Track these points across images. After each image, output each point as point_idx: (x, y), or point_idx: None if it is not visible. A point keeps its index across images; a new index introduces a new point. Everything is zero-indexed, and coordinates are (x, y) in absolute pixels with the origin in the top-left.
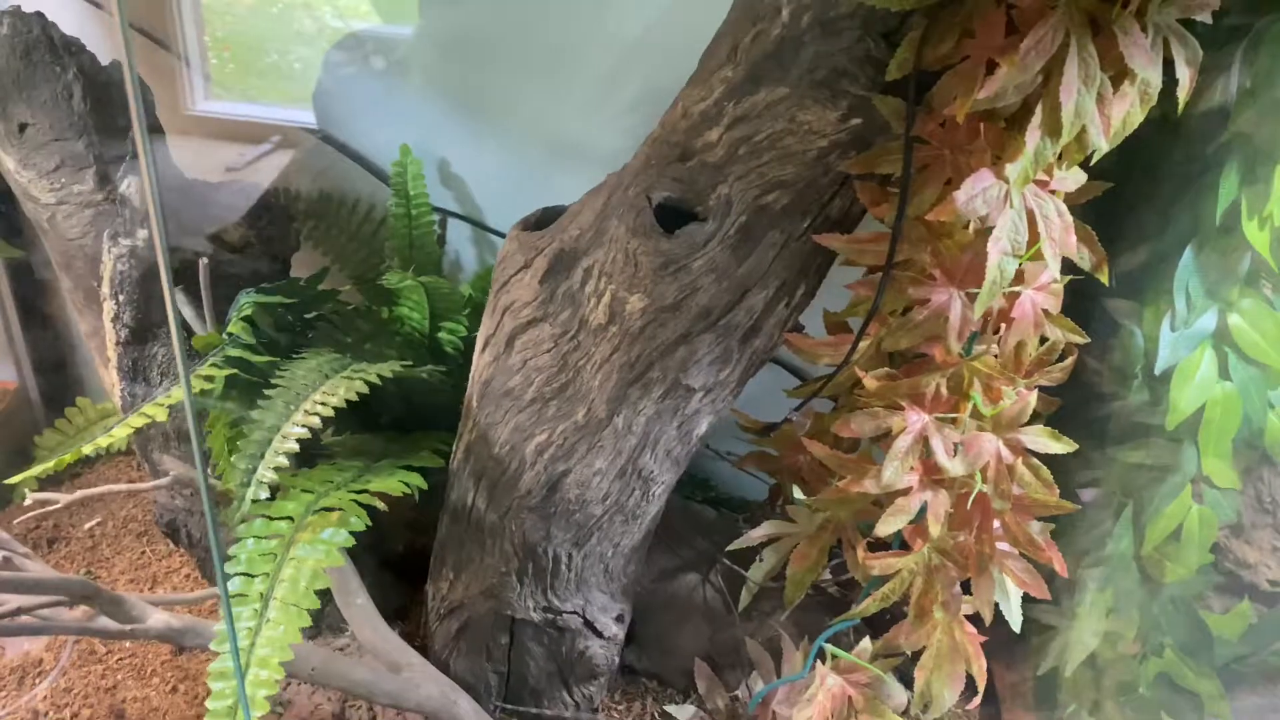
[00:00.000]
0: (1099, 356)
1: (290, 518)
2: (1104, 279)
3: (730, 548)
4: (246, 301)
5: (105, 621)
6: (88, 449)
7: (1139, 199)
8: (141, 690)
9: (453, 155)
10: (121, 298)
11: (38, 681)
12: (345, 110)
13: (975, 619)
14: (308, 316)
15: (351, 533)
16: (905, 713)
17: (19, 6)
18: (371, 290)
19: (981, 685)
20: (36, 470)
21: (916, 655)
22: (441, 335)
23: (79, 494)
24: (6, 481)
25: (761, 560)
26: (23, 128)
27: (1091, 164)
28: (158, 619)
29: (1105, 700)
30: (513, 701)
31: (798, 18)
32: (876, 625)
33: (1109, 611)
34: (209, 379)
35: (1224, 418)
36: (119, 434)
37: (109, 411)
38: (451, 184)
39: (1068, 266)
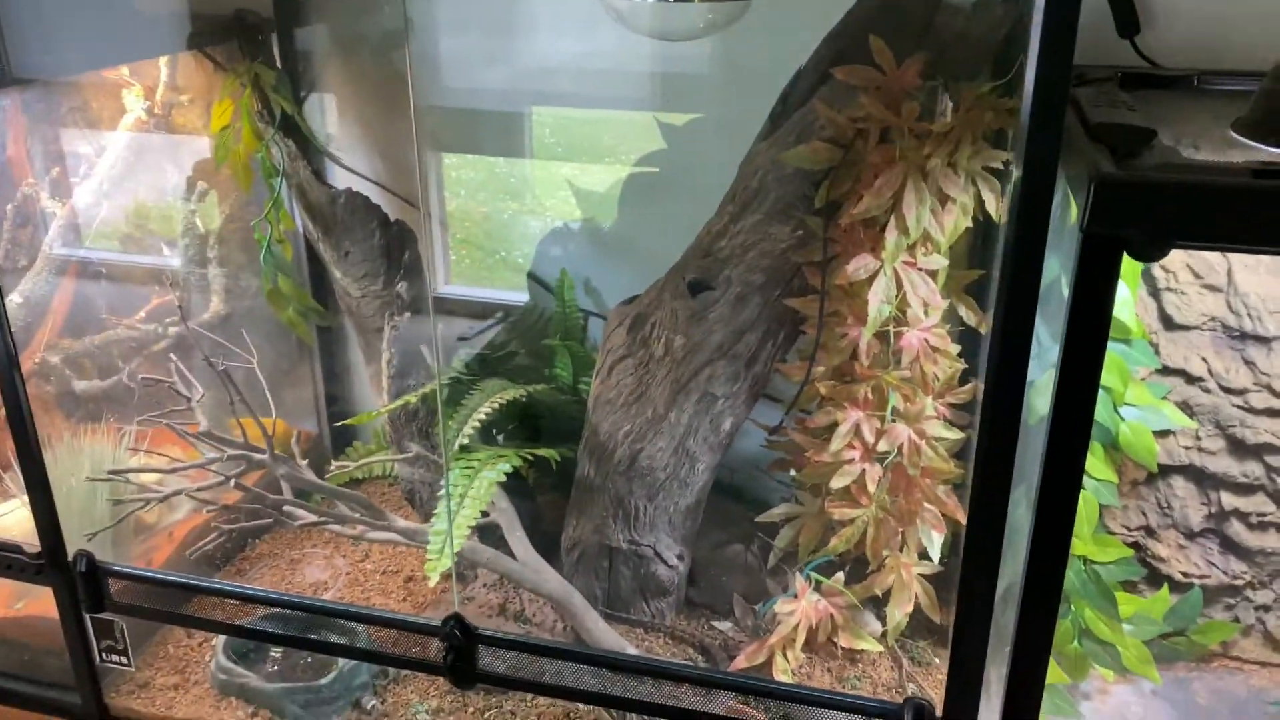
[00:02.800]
0: None
1: (479, 459)
2: (983, 330)
3: (759, 519)
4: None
5: (372, 530)
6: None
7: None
8: (384, 600)
9: (594, 277)
10: (393, 350)
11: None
12: (546, 262)
13: None
14: (498, 359)
15: (514, 499)
16: (881, 638)
17: (350, 187)
18: (538, 353)
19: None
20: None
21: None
22: (580, 387)
23: (360, 462)
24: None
25: (781, 533)
26: (347, 253)
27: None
28: (403, 524)
29: None
30: (612, 608)
31: (765, 176)
32: None
33: None
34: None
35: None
36: (391, 406)
37: (373, 451)
38: (592, 295)
39: (960, 322)
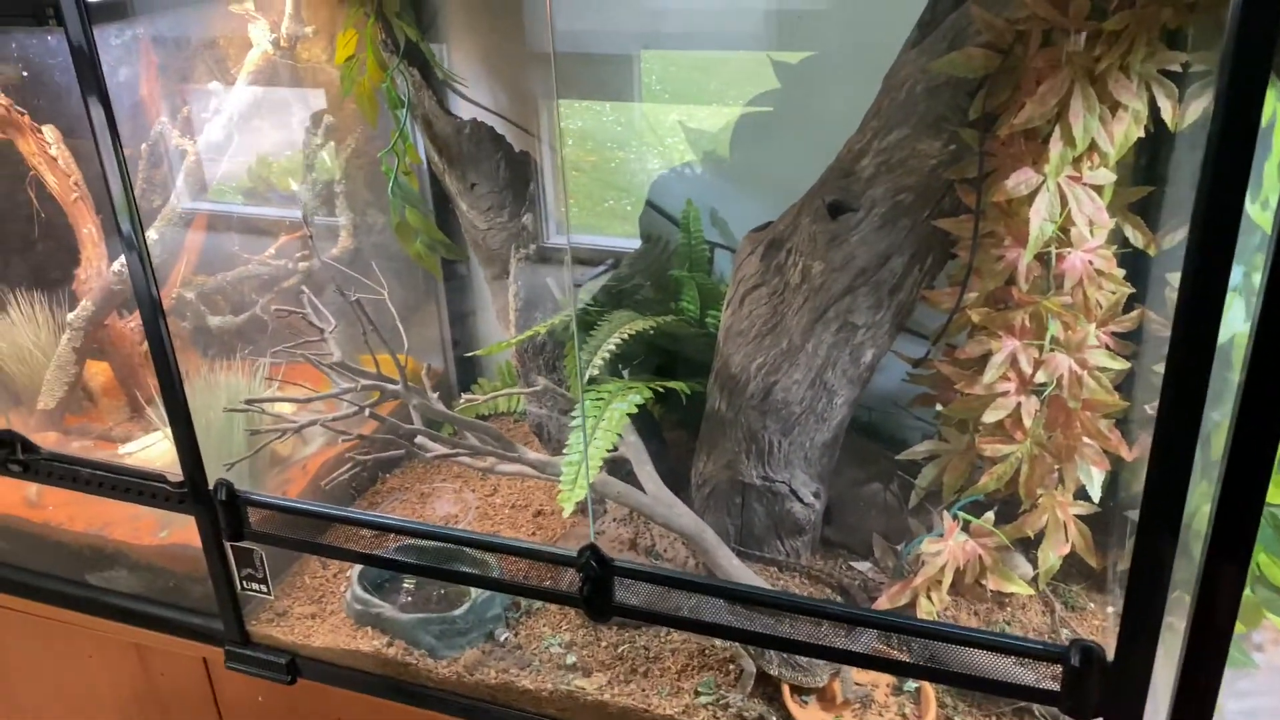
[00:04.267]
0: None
1: (609, 390)
2: (1152, 253)
3: (900, 456)
4: (590, 282)
5: (503, 462)
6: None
7: (1175, 197)
8: (515, 533)
9: (721, 208)
10: (520, 281)
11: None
12: (667, 196)
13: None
14: (624, 292)
15: (641, 436)
16: (1033, 582)
17: (475, 118)
18: (663, 285)
19: (1086, 550)
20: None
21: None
22: (708, 320)
23: (489, 395)
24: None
25: (923, 471)
26: (473, 186)
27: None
28: (534, 456)
29: None
30: (744, 546)
31: (913, 88)
32: None
33: None
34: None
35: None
36: (521, 337)
37: (498, 387)
38: (719, 226)
39: (1125, 243)
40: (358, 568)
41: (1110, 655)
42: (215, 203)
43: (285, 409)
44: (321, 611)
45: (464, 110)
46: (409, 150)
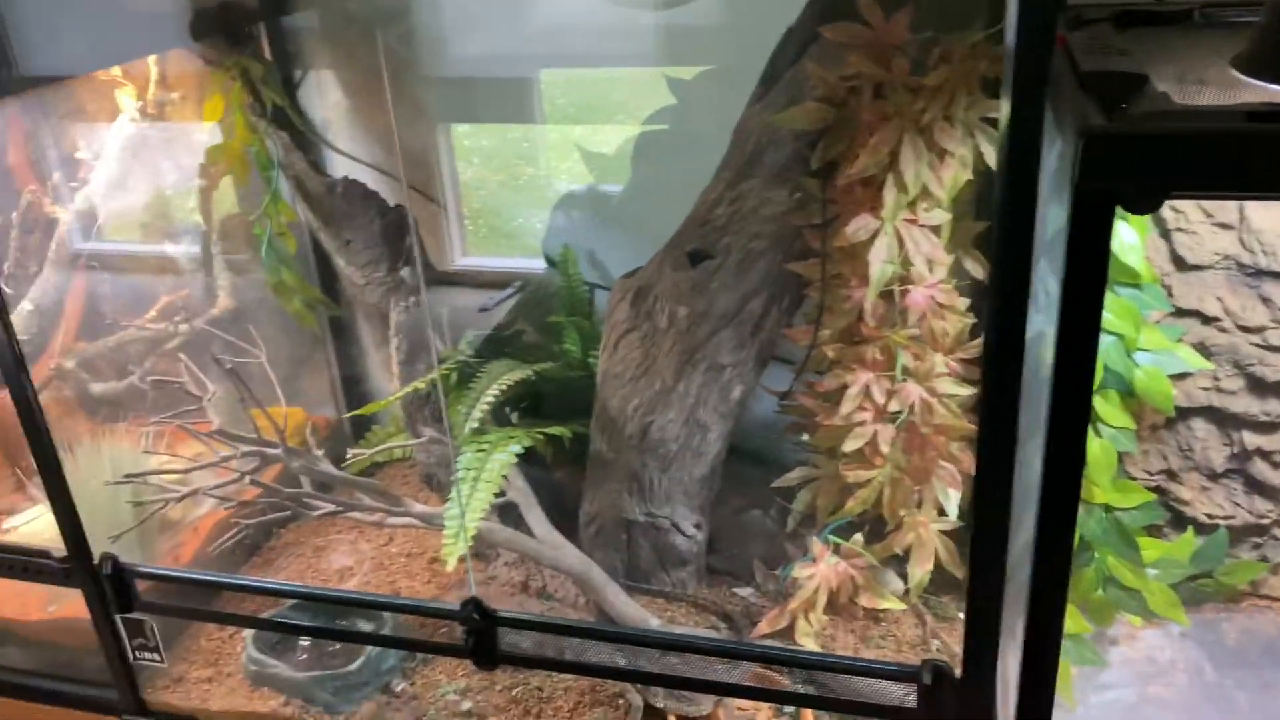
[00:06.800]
0: None
1: (491, 441)
2: None
3: (776, 483)
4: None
5: (391, 516)
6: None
7: None
8: (410, 582)
9: (601, 248)
10: (400, 336)
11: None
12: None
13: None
14: (505, 339)
15: (536, 475)
16: (904, 596)
17: (347, 175)
18: (545, 330)
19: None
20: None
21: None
22: (590, 361)
23: (376, 449)
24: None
25: (798, 496)
26: (348, 242)
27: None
28: (420, 509)
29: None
30: (633, 580)
31: (760, 140)
32: None
33: None
34: (449, 373)
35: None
36: (398, 394)
37: (392, 434)
38: (598, 267)
39: (967, 275)
40: (251, 630)
41: (959, 672)
42: (113, 242)
43: (172, 476)
44: (218, 674)
45: (339, 166)
46: (284, 209)
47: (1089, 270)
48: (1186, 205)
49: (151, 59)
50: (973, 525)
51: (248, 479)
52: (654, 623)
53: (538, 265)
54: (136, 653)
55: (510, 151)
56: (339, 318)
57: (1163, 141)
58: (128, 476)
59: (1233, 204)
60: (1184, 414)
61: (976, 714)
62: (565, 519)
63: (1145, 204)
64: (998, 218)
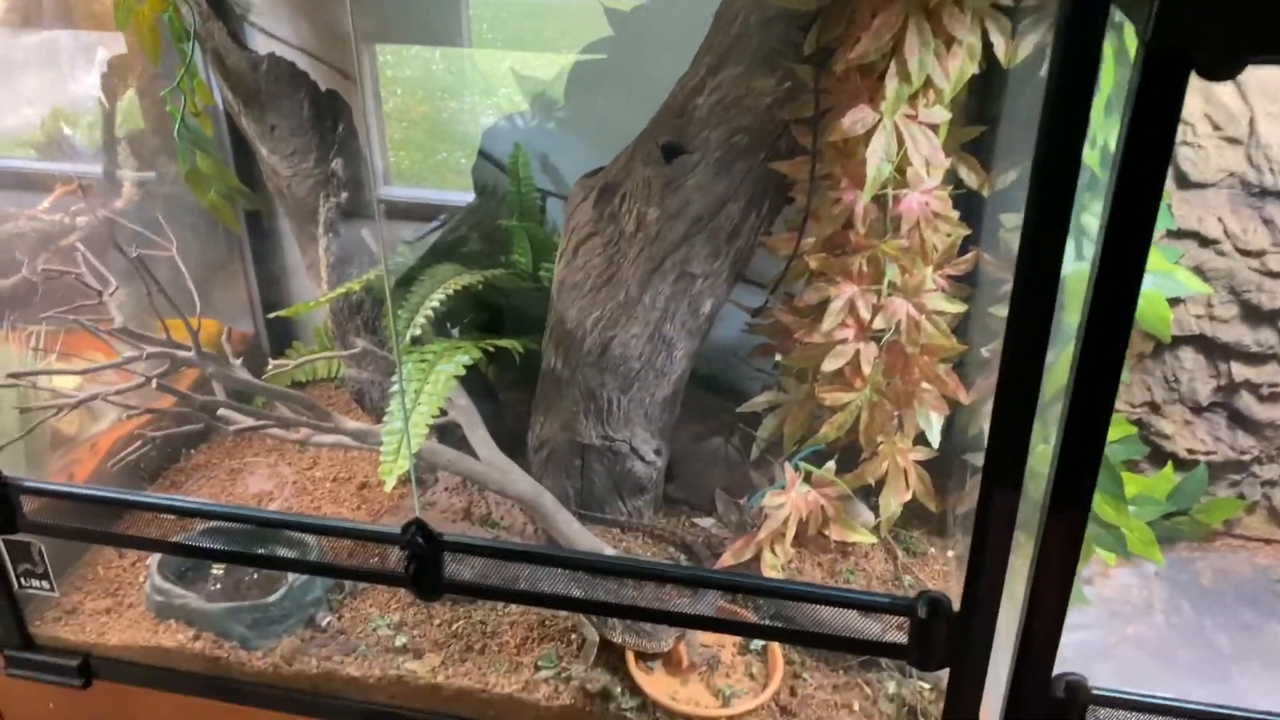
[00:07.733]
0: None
1: (434, 352)
2: (985, 193)
3: (740, 409)
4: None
5: (319, 433)
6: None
7: (1008, 136)
8: (336, 508)
9: (554, 155)
10: (330, 235)
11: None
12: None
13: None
14: (450, 244)
15: (474, 398)
16: (875, 529)
17: (274, 52)
18: (494, 237)
19: (926, 494)
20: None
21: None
22: (541, 273)
23: (300, 360)
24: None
25: (764, 423)
26: (273, 128)
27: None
28: (353, 425)
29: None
30: (585, 508)
31: (746, 21)
32: None
33: None
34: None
35: (1082, 287)
36: (332, 294)
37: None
38: (550, 173)
39: (959, 184)
40: (157, 556)
41: (956, 605)
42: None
43: (66, 383)
44: (118, 606)
45: (263, 45)
46: (199, 88)
47: (1153, 145)
48: (1195, 116)
49: None
50: (988, 451)
51: (154, 383)
52: (609, 552)
53: (463, 198)
54: (22, 580)
55: (435, 83)
56: (259, 219)
57: None
58: (10, 376)
59: (1244, 116)
60: (1174, 342)
61: (974, 652)
62: (509, 444)
63: (1223, 68)
64: (1045, 115)
